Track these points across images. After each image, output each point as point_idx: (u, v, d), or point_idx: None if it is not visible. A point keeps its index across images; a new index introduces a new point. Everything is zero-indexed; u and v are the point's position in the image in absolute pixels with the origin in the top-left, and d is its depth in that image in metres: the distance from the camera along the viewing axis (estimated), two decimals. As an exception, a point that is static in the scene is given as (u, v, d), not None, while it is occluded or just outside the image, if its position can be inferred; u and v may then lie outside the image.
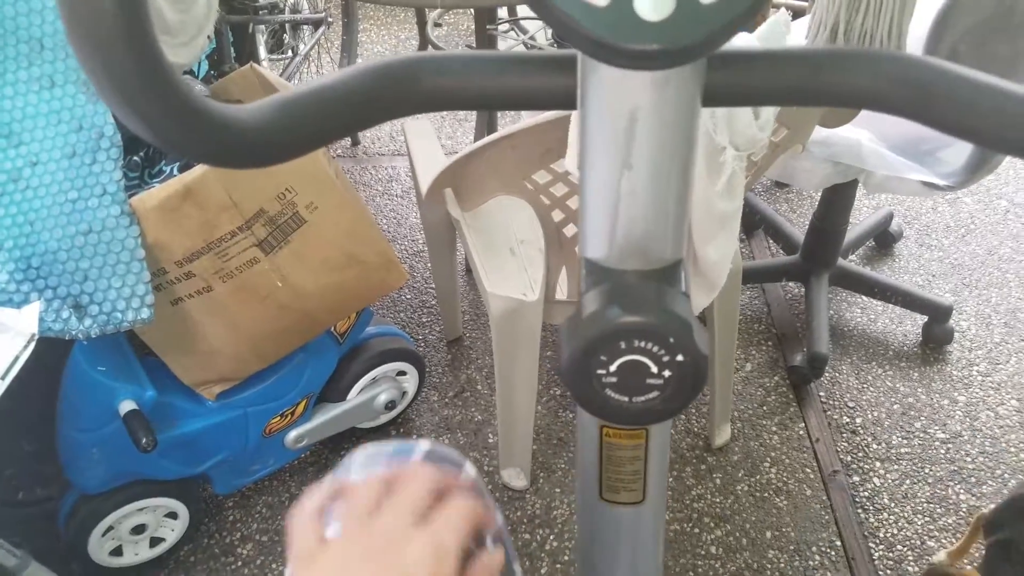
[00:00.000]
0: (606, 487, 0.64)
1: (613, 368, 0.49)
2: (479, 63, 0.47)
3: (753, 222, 2.53)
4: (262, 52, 2.39)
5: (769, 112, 1.22)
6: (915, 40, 1.50)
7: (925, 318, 2.21)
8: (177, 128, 0.39)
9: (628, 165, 0.47)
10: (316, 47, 2.75)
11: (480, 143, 1.42)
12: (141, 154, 1.45)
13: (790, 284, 2.38)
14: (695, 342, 0.48)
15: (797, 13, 2.16)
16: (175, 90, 0.38)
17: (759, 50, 0.46)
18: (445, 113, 3.08)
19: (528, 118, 1.35)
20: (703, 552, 1.72)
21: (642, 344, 0.48)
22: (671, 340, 0.48)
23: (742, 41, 1.13)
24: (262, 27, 2.47)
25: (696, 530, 1.75)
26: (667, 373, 0.49)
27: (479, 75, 0.47)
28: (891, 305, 2.27)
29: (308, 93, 0.44)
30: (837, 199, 2.10)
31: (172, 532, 1.67)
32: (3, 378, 1.10)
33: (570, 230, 1.55)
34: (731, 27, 0.39)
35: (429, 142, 1.89)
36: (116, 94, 0.37)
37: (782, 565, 1.69)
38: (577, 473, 0.68)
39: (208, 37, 1.57)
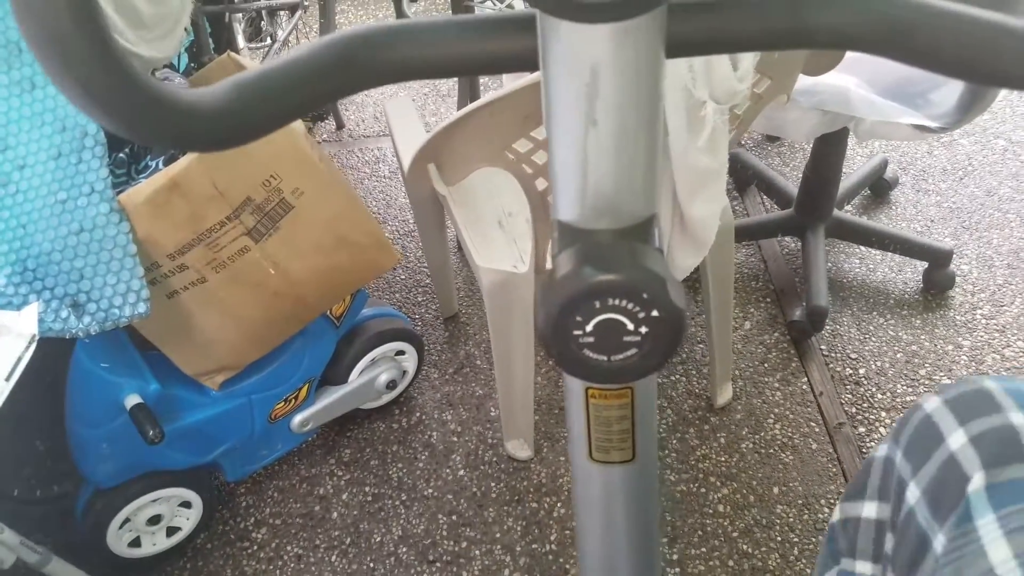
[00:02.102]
0: (596, 447, 0.64)
1: (589, 328, 0.49)
2: (435, 30, 0.46)
3: (745, 178, 2.52)
4: (240, 41, 2.38)
5: (748, 62, 1.20)
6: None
7: (925, 264, 2.20)
8: (132, 113, 0.39)
9: (593, 122, 0.46)
10: (295, 32, 2.74)
11: (457, 115, 1.41)
12: (126, 151, 1.45)
13: (786, 239, 2.37)
14: (669, 297, 0.48)
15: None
16: (127, 75, 0.38)
17: (721, -6, 0.45)
18: (428, 89, 3.07)
19: (509, 84, 1.33)
20: (711, 511, 1.72)
21: (616, 302, 0.48)
22: (645, 296, 0.48)
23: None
24: (239, 16, 2.46)
25: (703, 490, 1.76)
26: (644, 330, 0.49)
27: (436, 42, 0.46)
28: (890, 253, 2.27)
29: (262, 73, 0.44)
30: (828, 149, 2.09)
31: (187, 521, 1.68)
32: (7, 379, 1.10)
33: (556, 197, 1.54)
34: None
35: (410, 119, 1.88)
36: (68, 82, 0.37)
37: (791, 519, 1.70)
38: (568, 436, 0.68)
39: (185, 29, 1.56)
